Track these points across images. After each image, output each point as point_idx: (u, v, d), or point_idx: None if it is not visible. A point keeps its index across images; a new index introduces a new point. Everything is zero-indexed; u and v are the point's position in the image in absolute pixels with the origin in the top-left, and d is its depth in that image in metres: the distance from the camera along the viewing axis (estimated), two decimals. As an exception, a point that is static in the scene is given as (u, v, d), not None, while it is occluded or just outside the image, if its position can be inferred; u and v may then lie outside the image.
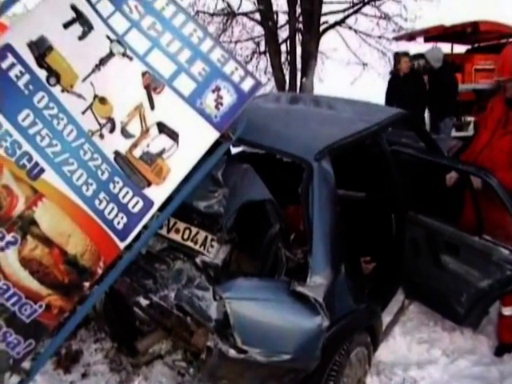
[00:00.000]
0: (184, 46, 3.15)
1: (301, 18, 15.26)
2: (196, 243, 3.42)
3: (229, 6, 16.49)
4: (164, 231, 3.53)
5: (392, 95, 9.14)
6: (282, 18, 15.96)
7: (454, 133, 10.57)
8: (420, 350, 4.40)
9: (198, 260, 3.36)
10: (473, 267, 3.91)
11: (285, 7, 15.38)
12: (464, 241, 3.91)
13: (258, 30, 16.81)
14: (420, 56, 10.53)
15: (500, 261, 3.75)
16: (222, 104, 3.07)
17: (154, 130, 3.05)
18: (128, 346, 3.85)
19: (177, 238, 3.50)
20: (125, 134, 3.06)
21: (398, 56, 9.19)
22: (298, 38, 15.46)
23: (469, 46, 12.97)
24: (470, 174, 3.83)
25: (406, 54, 9.47)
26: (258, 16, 15.88)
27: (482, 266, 3.85)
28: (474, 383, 4.03)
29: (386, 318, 4.20)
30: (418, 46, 12.97)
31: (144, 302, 3.37)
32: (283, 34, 16.15)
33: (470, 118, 11.03)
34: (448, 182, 4.35)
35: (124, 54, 3.13)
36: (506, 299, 4.23)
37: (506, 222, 3.72)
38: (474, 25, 10.88)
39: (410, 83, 8.83)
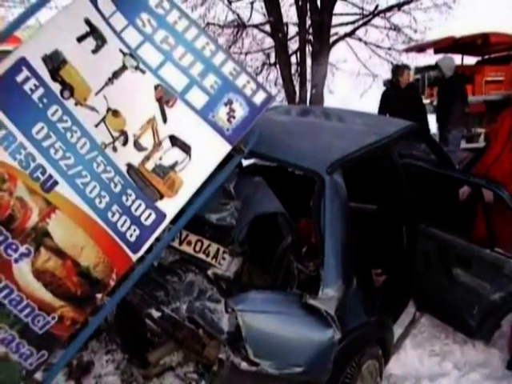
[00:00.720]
0: (196, 60, 3.17)
1: (311, 30, 15.32)
2: (208, 255, 3.42)
3: (239, 17, 16.59)
4: (176, 243, 3.54)
5: (387, 107, 9.12)
6: (292, 30, 16.06)
7: (465, 144, 10.56)
8: (431, 363, 4.38)
9: (209, 272, 3.36)
10: (484, 280, 3.90)
11: (295, 19, 15.47)
12: (475, 253, 3.91)
13: (268, 42, 16.91)
14: (431, 67, 10.53)
15: (512, 273, 3.74)
16: (234, 117, 3.09)
17: (167, 143, 3.07)
18: (139, 358, 3.85)
19: (189, 250, 3.50)
20: (137, 146, 3.07)
21: (398, 68, 9.18)
22: (308, 49, 15.53)
23: (479, 58, 12.96)
24: (481, 186, 3.83)
25: (406, 66, 9.50)
26: (268, 28, 15.96)
27: (493, 278, 3.85)
28: (485, 396, 4.00)
29: (398, 331, 4.18)
30: (428, 58, 12.99)
31: (156, 313, 3.37)
32: (293, 45, 16.25)
33: (481, 130, 11.03)
34: (461, 197, 4.35)
35: (137, 68, 3.15)
36: None
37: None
38: (484, 36, 10.88)
39: (408, 95, 8.85)
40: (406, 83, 9.00)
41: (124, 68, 3.15)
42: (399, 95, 8.92)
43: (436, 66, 9.90)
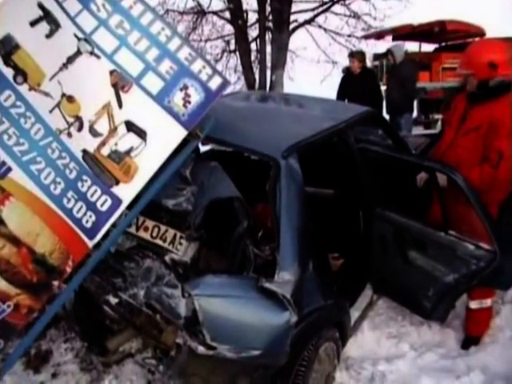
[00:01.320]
0: (152, 45, 3.15)
1: (271, 17, 15.32)
2: (165, 241, 3.42)
3: (199, 4, 16.49)
4: (133, 229, 3.53)
5: (344, 93, 9.29)
6: (252, 17, 16.02)
7: (423, 130, 10.71)
8: (388, 345, 4.45)
9: (167, 258, 3.36)
10: (439, 262, 3.97)
11: (255, 6, 15.42)
12: (430, 237, 3.97)
13: (228, 29, 16.85)
14: (386, 54, 10.66)
15: (465, 255, 3.82)
16: (189, 102, 3.07)
17: (122, 129, 3.05)
18: (98, 345, 3.84)
19: (146, 236, 3.50)
20: (93, 132, 3.05)
21: (350, 55, 9.35)
22: (268, 36, 15.53)
23: (436, 45, 13.10)
24: (435, 171, 3.88)
25: (359, 52, 9.67)
26: (227, 14, 15.91)
27: (448, 261, 3.92)
28: (442, 376, 4.07)
29: (355, 314, 4.25)
30: (387, 45, 13.09)
31: (113, 300, 3.37)
32: (253, 32, 16.22)
33: (438, 116, 11.18)
34: (418, 183, 4.40)
35: (92, 53, 3.13)
36: (473, 293, 4.30)
37: (471, 218, 3.78)
38: (441, 24, 11.01)
39: (364, 82, 8.99)
40: (360, 69, 9.15)
41: (78, 53, 3.13)
42: (355, 81, 9.08)
43: (387, 53, 10.09)
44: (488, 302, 4.33)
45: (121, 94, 3.08)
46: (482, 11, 14.89)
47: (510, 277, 3.94)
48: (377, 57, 13.12)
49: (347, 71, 9.63)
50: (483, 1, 20.31)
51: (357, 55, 9.30)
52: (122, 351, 3.79)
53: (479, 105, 4.10)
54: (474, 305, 4.35)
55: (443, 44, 12.83)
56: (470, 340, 4.50)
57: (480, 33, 11.10)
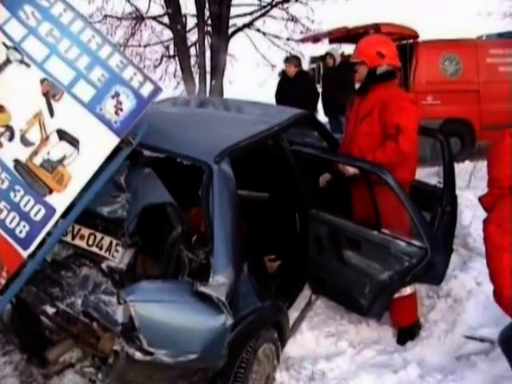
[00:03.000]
0: (82, 53, 3.16)
1: (209, 21, 15.32)
2: (101, 249, 3.42)
3: (137, 9, 16.33)
4: (69, 238, 3.51)
5: (281, 96, 9.58)
6: (191, 22, 15.96)
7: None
8: (328, 343, 4.51)
9: (103, 265, 3.36)
10: (374, 260, 4.06)
11: (193, 10, 15.38)
12: (364, 235, 4.07)
13: (167, 34, 16.74)
14: (324, 57, 10.84)
15: (398, 253, 3.92)
16: (121, 109, 3.08)
17: (55, 137, 3.05)
18: (38, 357, 3.79)
19: (82, 244, 3.49)
20: (24, 141, 3.05)
21: (285, 60, 9.69)
22: (207, 41, 15.51)
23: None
24: (364, 170, 3.97)
25: (294, 57, 10.07)
26: (166, 19, 15.83)
27: (382, 258, 4.01)
28: (380, 371, 4.14)
29: (294, 314, 4.30)
30: (325, 48, 13.23)
31: (50, 310, 3.34)
32: (192, 37, 16.16)
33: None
34: (321, 183, 4.59)
35: (21, 61, 3.12)
36: None
37: (401, 216, 3.89)
38: (376, 27, 11.15)
39: (300, 85, 9.28)
40: (295, 73, 9.41)
41: (8, 62, 3.12)
42: (291, 84, 9.34)
43: (326, 55, 10.51)
44: (407, 290, 4.37)
45: (52, 102, 3.08)
46: (416, 13, 15.24)
47: (441, 271, 4.05)
48: (314, 60, 13.29)
49: (283, 75, 9.81)
50: (418, 3, 20.84)
51: (292, 60, 9.66)
52: (62, 361, 3.73)
53: (369, 92, 4.39)
54: (407, 291, 4.36)
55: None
56: (402, 332, 4.58)
57: (413, 35, 11.30)
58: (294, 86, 9.23)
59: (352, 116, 4.51)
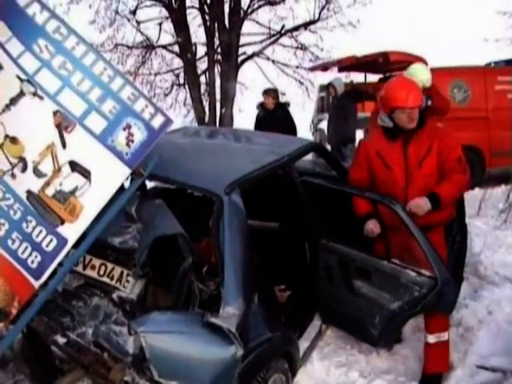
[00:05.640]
0: (95, 85, 3.19)
1: (219, 50, 15.48)
2: (112, 279, 3.43)
3: (147, 38, 16.57)
4: (80, 268, 3.53)
5: (260, 127, 9.60)
6: (201, 50, 16.15)
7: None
8: (338, 374, 4.46)
9: (114, 295, 3.37)
10: (384, 290, 4.03)
11: (203, 39, 15.57)
12: (374, 265, 4.06)
13: (178, 62, 16.95)
14: (329, 85, 10.91)
15: (408, 283, 3.89)
16: (132, 141, 3.11)
17: (67, 169, 3.08)
18: (48, 387, 3.80)
19: (93, 274, 3.51)
20: (37, 173, 3.08)
21: (266, 92, 9.81)
22: (217, 69, 15.66)
23: (381, 75, 13.37)
24: (375, 201, 3.98)
25: (272, 90, 10.22)
26: (176, 48, 16.02)
27: (392, 288, 3.99)
28: (391, 402, 4.13)
29: (304, 344, 4.27)
30: (334, 76, 13.31)
31: (61, 340, 3.35)
32: (202, 65, 16.34)
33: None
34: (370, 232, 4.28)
35: (35, 94, 3.16)
36: (430, 327, 4.31)
37: (412, 246, 3.89)
38: (385, 55, 11.23)
39: (278, 116, 9.42)
40: (274, 105, 9.57)
41: (21, 94, 3.16)
42: (269, 117, 9.49)
43: (328, 86, 10.56)
44: (446, 336, 4.33)
45: (64, 134, 3.11)
46: (424, 41, 15.32)
47: (452, 301, 4.03)
48: (322, 88, 13.35)
49: (261, 107, 9.97)
50: (426, 31, 20.97)
51: (270, 92, 9.79)
52: (72, 391, 3.75)
53: (416, 133, 4.16)
54: (432, 339, 4.30)
55: (387, 74, 13.10)
56: (430, 379, 4.38)
57: (421, 62, 11.36)
58: (272, 117, 9.38)
59: (396, 161, 4.19)
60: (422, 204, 3.95)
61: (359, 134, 9.61)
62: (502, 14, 14.70)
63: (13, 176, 3.05)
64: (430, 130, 4.19)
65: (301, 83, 17.46)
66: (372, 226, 4.09)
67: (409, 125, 4.08)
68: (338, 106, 9.75)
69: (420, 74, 5.68)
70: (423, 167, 4.13)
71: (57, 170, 3.08)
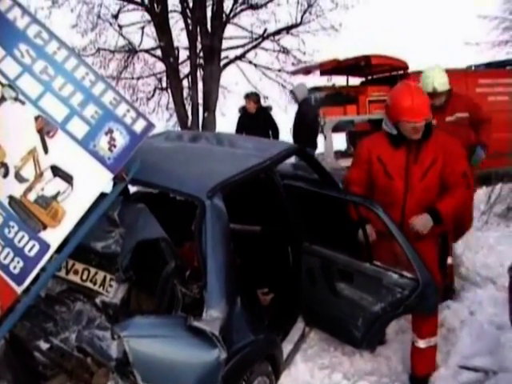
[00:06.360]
0: (76, 90, 3.19)
1: (202, 54, 15.49)
2: (95, 283, 3.43)
3: (130, 43, 16.55)
4: (63, 273, 3.53)
5: (242, 130, 9.84)
6: (183, 54, 16.14)
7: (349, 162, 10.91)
8: (322, 376, 4.47)
9: (97, 300, 3.37)
10: (366, 292, 4.06)
11: (186, 43, 15.57)
12: (356, 268, 4.08)
13: (160, 66, 16.94)
14: (316, 89, 10.92)
15: (390, 284, 3.93)
16: (115, 146, 3.11)
17: (49, 174, 3.08)
18: (31, 393, 3.79)
19: (76, 279, 3.50)
20: (19, 178, 3.08)
21: (247, 96, 9.96)
22: (200, 73, 15.67)
23: (363, 79, 13.44)
24: (356, 204, 4.01)
25: (254, 94, 10.41)
26: (159, 52, 16.01)
27: (374, 290, 4.02)
28: (374, 403, 4.15)
29: (288, 347, 4.29)
30: (316, 80, 13.35)
31: (44, 345, 3.35)
32: (184, 69, 16.34)
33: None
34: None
35: (16, 99, 3.16)
36: (420, 332, 4.31)
37: (395, 248, 3.92)
38: (366, 58, 11.29)
39: (259, 119, 9.61)
40: (255, 109, 9.77)
41: (3, 99, 3.16)
42: (251, 121, 9.66)
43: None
44: (435, 340, 4.35)
45: (46, 139, 3.11)
46: (406, 45, 15.41)
47: (434, 302, 4.06)
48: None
49: (243, 111, 10.09)
50: (407, 35, 21.11)
51: (252, 96, 10.00)
52: (55, 397, 3.74)
53: (423, 145, 4.14)
54: (423, 344, 4.32)
55: (369, 77, 13.18)
56: (419, 380, 4.42)
57: (403, 66, 11.43)
58: (255, 121, 9.53)
59: (398, 171, 4.17)
60: (426, 222, 4.01)
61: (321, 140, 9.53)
62: (482, 18, 14.88)
63: (-6, 181, 3.05)
64: (436, 142, 4.15)
65: (283, 87, 17.47)
66: (369, 231, 4.11)
67: (414, 136, 4.07)
68: (298, 111, 9.74)
69: (437, 78, 5.73)
70: (425, 180, 4.14)
71: (39, 175, 3.08)
